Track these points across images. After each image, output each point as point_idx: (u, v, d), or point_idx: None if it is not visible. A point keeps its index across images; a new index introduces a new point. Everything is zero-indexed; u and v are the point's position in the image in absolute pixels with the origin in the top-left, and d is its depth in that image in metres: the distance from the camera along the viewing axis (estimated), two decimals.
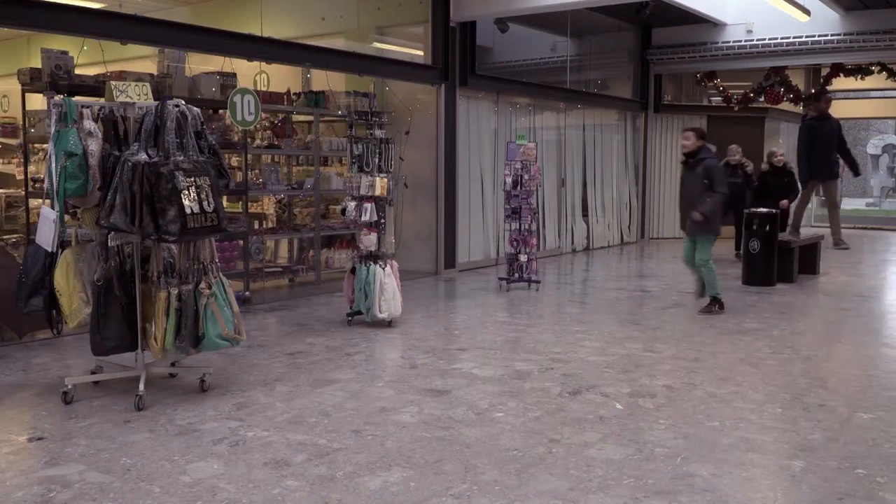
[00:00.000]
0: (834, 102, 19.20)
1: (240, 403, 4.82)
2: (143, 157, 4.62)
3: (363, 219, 7.04)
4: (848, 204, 34.45)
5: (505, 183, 9.43)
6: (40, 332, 6.46)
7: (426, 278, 10.26)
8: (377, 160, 7.05)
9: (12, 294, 5.14)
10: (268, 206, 10.06)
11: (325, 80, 9.56)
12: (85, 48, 7.25)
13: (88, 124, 4.78)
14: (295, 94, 9.49)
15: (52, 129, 4.83)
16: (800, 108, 17.25)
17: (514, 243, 9.40)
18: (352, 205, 7.11)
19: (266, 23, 9.17)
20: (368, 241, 7.03)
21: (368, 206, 7.02)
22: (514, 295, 8.98)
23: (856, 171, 12.26)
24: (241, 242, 8.37)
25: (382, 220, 7.10)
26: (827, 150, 11.34)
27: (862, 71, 14.28)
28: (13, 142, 9.08)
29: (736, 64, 13.95)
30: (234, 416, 4.59)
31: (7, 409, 4.75)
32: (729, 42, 13.64)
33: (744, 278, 9.76)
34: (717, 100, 15.71)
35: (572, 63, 13.49)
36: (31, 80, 6.84)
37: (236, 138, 8.54)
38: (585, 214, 13.90)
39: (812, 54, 13.11)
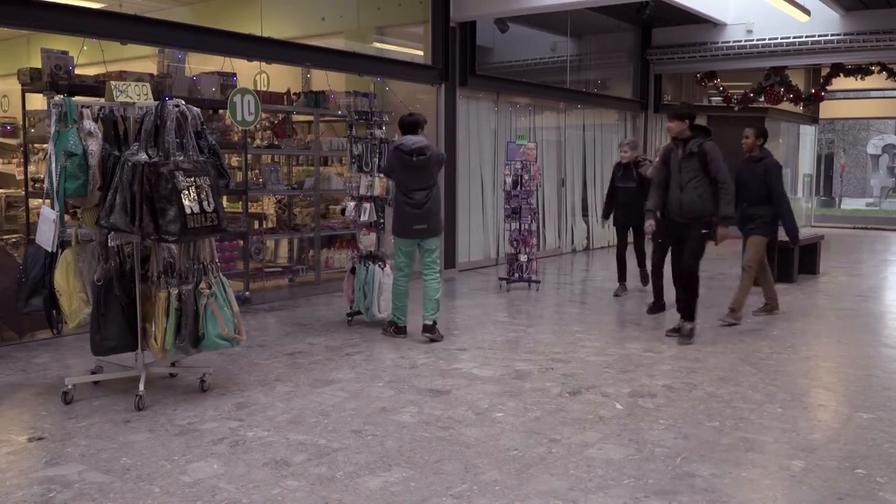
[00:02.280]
0: (834, 102, 19.39)
1: (240, 403, 4.82)
2: (143, 157, 4.62)
3: (362, 219, 7.04)
4: (848, 204, 34.55)
5: (505, 183, 9.43)
6: (40, 332, 6.45)
7: None
8: (377, 160, 7.06)
9: (12, 294, 5.14)
10: (268, 206, 10.06)
11: (325, 80, 9.56)
12: (85, 48, 7.24)
13: (88, 124, 4.77)
14: (295, 94, 9.49)
15: (52, 129, 4.83)
16: (800, 108, 17.28)
17: (514, 243, 9.40)
18: (351, 205, 7.11)
19: (266, 23, 9.16)
20: (368, 241, 7.03)
21: (368, 206, 7.02)
22: (514, 295, 8.98)
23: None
24: (241, 242, 8.37)
25: (382, 221, 7.11)
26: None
27: (862, 71, 14.29)
28: (13, 142, 9.07)
29: (736, 64, 13.95)
30: (234, 416, 4.59)
31: (7, 409, 4.75)
32: (729, 42, 13.63)
33: None
34: (717, 100, 15.72)
35: (572, 63, 13.48)
36: (31, 80, 6.84)
37: (236, 138, 8.54)
38: (585, 214, 13.90)
39: (812, 54, 13.10)
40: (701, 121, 17.96)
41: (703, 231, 6.47)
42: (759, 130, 7.55)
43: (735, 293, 7.42)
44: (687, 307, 6.58)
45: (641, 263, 9.22)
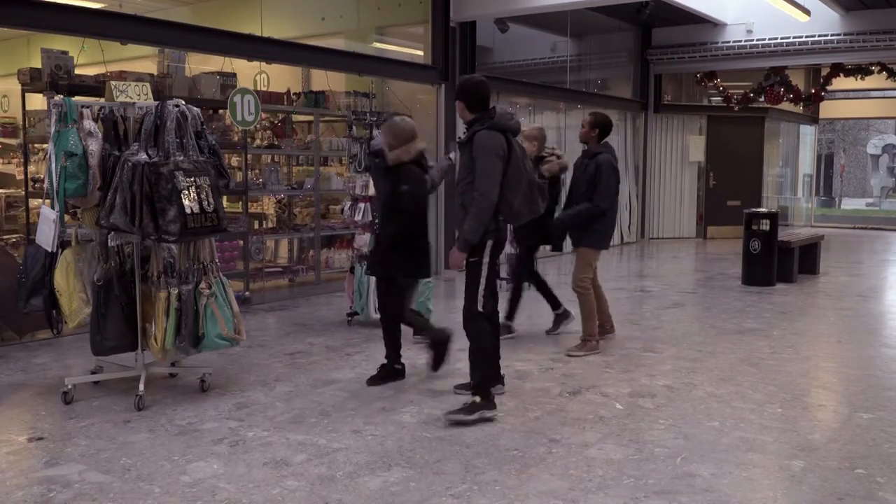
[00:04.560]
0: (834, 102, 19.39)
1: (240, 403, 4.82)
2: (143, 157, 4.62)
3: (357, 219, 7.03)
4: (848, 204, 34.55)
5: None
6: (40, 332, 6.45)
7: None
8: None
9: (12, 294, 5.14)
10: (268, 206, 10.06)
11: (325, 80, 9.56)
12: (85, 48, 7.24)
13: (88, 124, 4.78)
14: (295, 94, 9.49)
15: (52, 129, 4.83)
16: (800, 108, 17.28)
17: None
18: (347, 204, 7.10)
19: (266, 23, 9.17)
20: (361, 241, 7.02)
21: (363, 205, 7.00)
22: None
23: None
24: (241, 242, 8.37)
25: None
26: None
27: (862, 71, 14.29)
28: (13, 142, 9.08)
29: (736, 64, 13.96)
30: (234, 416, 4.59)
31: (7, 409, 4.75)
32: (729, 42, 13.64)
33: (744, 278, 9.76)
34: (717, 100, 15.73)
35: (572, 63, 13.48)
36: (31, 80, 6.84)
37: (236, 138, 8.54)
38: None
39: (812, 54, 13.12)
40: (701, 121, 17.76)
41: (471, 259, 4.48)
42: (595, 119, 6.18)
43: (582, 324, 6.22)
44: (473, 374, 4.58)
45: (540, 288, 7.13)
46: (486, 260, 4.57)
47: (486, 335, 4.60)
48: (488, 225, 4.46)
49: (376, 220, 6.21)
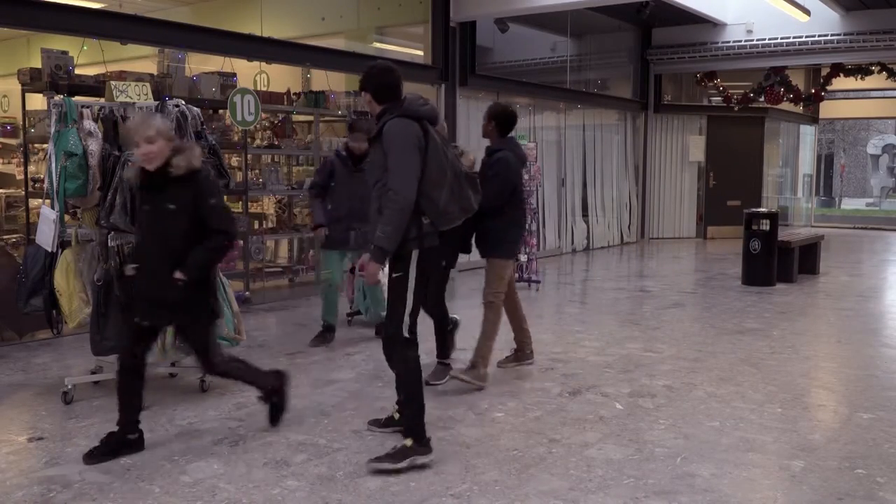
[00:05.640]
0: (834, 102, 19.40)
1: (240, 403, 4.81)
2: None
3: None
4: (848, 204, 34.55)
5: None
6: (40, 332, 6.45)
7: None
8: None
9: (12, 294, 5.14)
10: (268, 206, 10.05)
11: (325, 80, 9.56)
12: (85, 48, 7.24)
13: (88, 124, 4.78)
14: (295, 94, 9.49)
15: (52, 129, 4.84)
16: (800, 108, 17.28)
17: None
18: None
19: (266, 23, 9.17)
20: None
21: None
22: None
23: None
24: (241, 242, 8.36)
25: None
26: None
27: (862, 71, 14.30)
28: (13, 142, 9.08)
29: (736, 64, 13.96)
30: (234, 416, 4.59)
31: (7, 409, 4.75)
32: (729, 42, 13.64)
33: (744, 278, 9.76)
34: (717, 100, 15.73)
35: (572, 63, 13.48)
36: (31, 80, 6.84)
37: (236, 138, 8.54)
38: (585, 214, 13.91)
39: (812, 54, 13.12)
40: (701, 121, 17.75)
41: (395, 274, 3.91)
42: (493, 111, 5.32)
43: (478, 341, 5.29)
44: (403, 413, 4.06)
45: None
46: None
47: (416, 366, 3.96)
48: (409, 231, 3.79)
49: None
